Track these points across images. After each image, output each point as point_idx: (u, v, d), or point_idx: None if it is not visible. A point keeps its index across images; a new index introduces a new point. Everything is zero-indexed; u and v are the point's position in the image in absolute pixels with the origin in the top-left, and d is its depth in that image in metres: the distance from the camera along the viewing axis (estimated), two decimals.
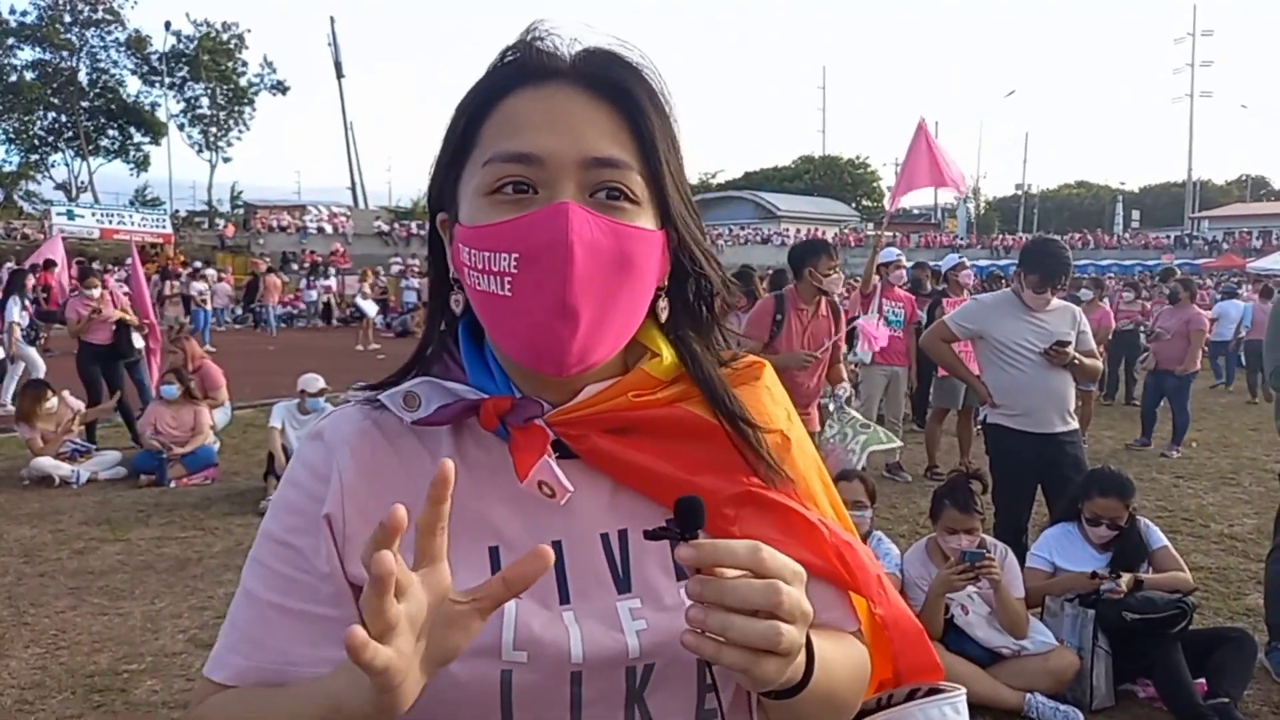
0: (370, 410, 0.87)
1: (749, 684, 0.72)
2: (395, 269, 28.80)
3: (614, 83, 0.81)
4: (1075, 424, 4.75)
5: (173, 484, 7.43)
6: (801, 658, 0.75)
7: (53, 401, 7.83)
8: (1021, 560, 4.09)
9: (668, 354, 0.88)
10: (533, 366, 0.81)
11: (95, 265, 14.60)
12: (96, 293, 8.83)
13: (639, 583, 0.83)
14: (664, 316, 0.88)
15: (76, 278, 9.60)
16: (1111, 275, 29.26)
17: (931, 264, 12.01)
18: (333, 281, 26.26)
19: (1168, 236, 53.49)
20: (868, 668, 0.92)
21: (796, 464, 0.92)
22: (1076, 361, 4.58)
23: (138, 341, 9.09)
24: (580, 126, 0.79)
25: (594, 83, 0.81)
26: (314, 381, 7.34)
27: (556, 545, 0.83)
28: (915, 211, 64.42)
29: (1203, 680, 3.68)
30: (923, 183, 7.97)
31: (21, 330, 10.78)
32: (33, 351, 11.19)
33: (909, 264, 9.69)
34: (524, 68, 0.81)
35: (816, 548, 0.87)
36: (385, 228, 42.36)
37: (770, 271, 11.33)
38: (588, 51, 0.82)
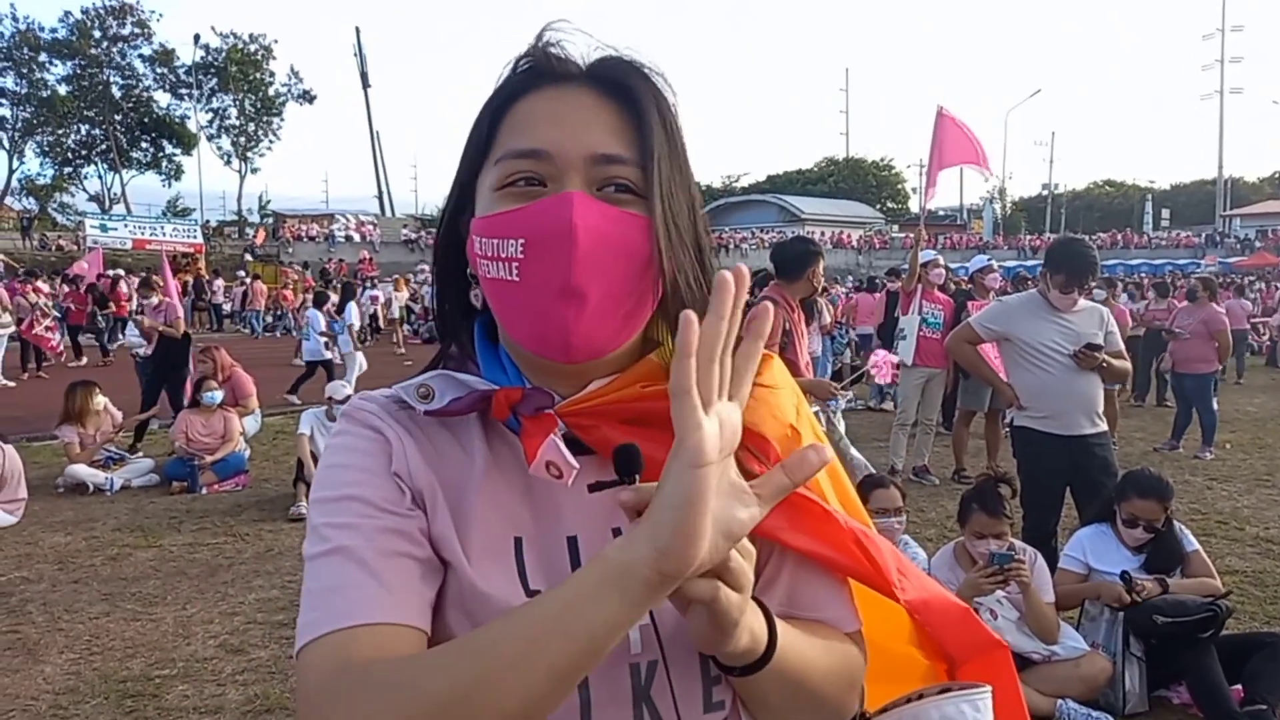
0: (398, 403, 0.89)
1: (704, 644, 0.74)
2: (422, 276, 28.96)
3: (623, 86, 0.84)
4: (1104, 426, 4.69)
5: (204, 490, 7.52)
6: (763, 632, 0.76)
7: (100, 399, 8.01)
8: (1051, 564, 4.05)
9: (670, 343, 0.89)
10: (540, 353, 0.83)
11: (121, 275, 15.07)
12: (155, 300, 9.06)
13: None
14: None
15: (136, 287, 9.96)
16: (1142, 274, 28.92)
17: (954, 266, 11.94)
18: (379, 292, 26.26)
19: (1199, 235, 52.69)
20: (857, 668, 0.91)
21: None
22: (1105, 364, 4.53)
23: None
24: (588, 124, 0.82)
25: (604, 84, 0.84)
26: (341, 389, 7.42)
27: (572, 540, 0.85)
28: (940, 213, 63.93)
29: (1239, 686, 3.62)
30: (955, 160, 7.88)
31: (355, 333, 12.11)
32: (360, 354, 12.22)
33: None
34: (538, 72, 0.85)
35: (831, 538, 0.87)
36: (412, 235, 42.64)
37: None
38: (600, 59, 0.86)
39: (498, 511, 0.84)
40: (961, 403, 8.08)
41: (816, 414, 5.37)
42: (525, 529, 0.85)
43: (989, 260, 9.12)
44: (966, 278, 9.14)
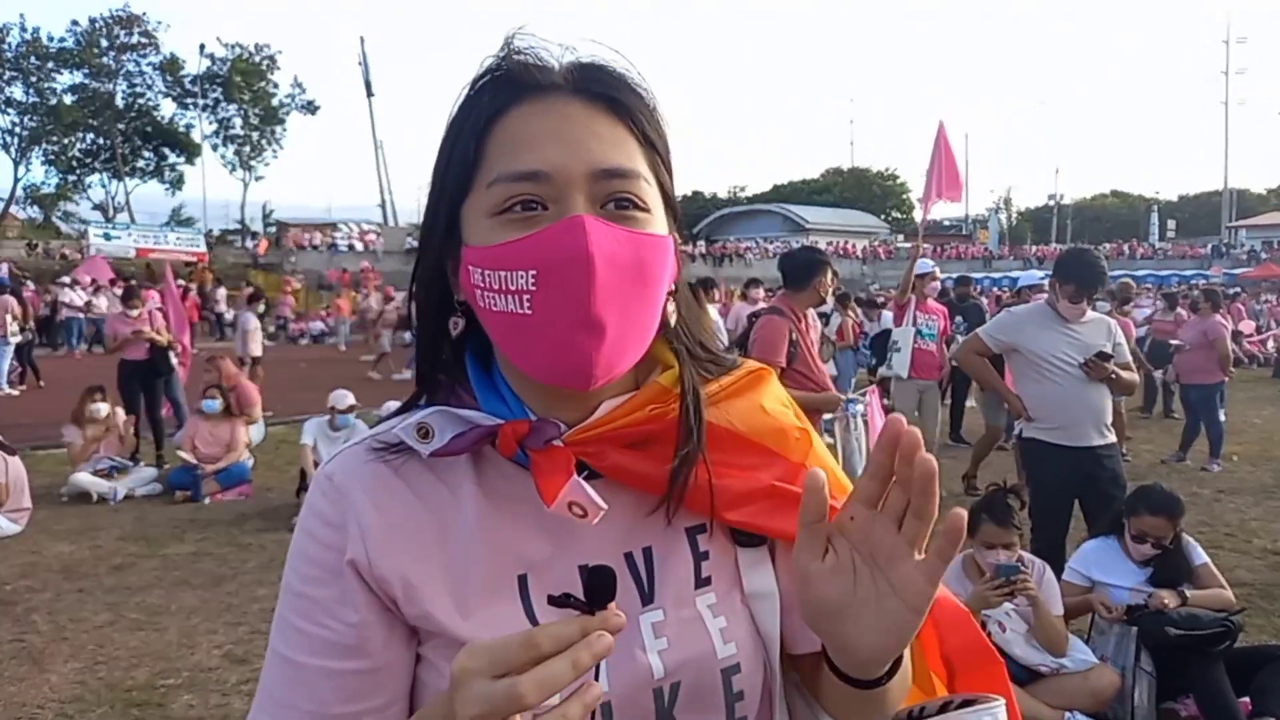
0: (379, 451, 0.85)
1: (850, 665, 0.75)
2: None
3: (610, 93, 0.81)
4: (1113, 438, 4.67)
5: (207, 500, 7.53)
6: None
7: (98, 406, 8.04)
8: (1059, 576, 4.02)
9: (676, 364, 0.88)
10: (558, 383, 0.79)
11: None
12: (136, 313, 9.09)
13: (662, 593, 0.84)
14: (674, 320, 0.88)
15: (121, 298, 9.92)
16: (1148, 285, 28.91)
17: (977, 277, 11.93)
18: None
19: (1205, 246, 52.67)
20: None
21: (820, 458, 0.92)
22: (1114, 375, 4.52)
23: (173, 359, 9.32)
24: (584, 139, 0.78)
25: (590, 94, 0.80)
26: (344, 398, 7.42)
27: (583, 569, 0.83)
28: (946, 223, 64.00)
29: (1247, 699, 3.60)
30: (934, 195, 7.91)
31: None
32: None
33: (944, 276, 9.57)
34: (518, 82, 0.80)
35: None
36: (415, 244, 42.64)
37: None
38: (580, 65, 0.82)
39: (497, 553, 0.82)
40: (986, 419, 8.04)
41: (830, 423, 5.38)
42: (531, 564, 0.82)
43: (1043, 277, 9.07)
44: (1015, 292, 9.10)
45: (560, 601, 0.64)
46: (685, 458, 0.84)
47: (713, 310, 10.44)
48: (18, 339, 14.88)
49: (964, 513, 0.67)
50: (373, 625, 0.80)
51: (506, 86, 0.80)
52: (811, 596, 0.73)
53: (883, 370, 8.47)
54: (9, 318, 14.51)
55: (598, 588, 0.64)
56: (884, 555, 0.69)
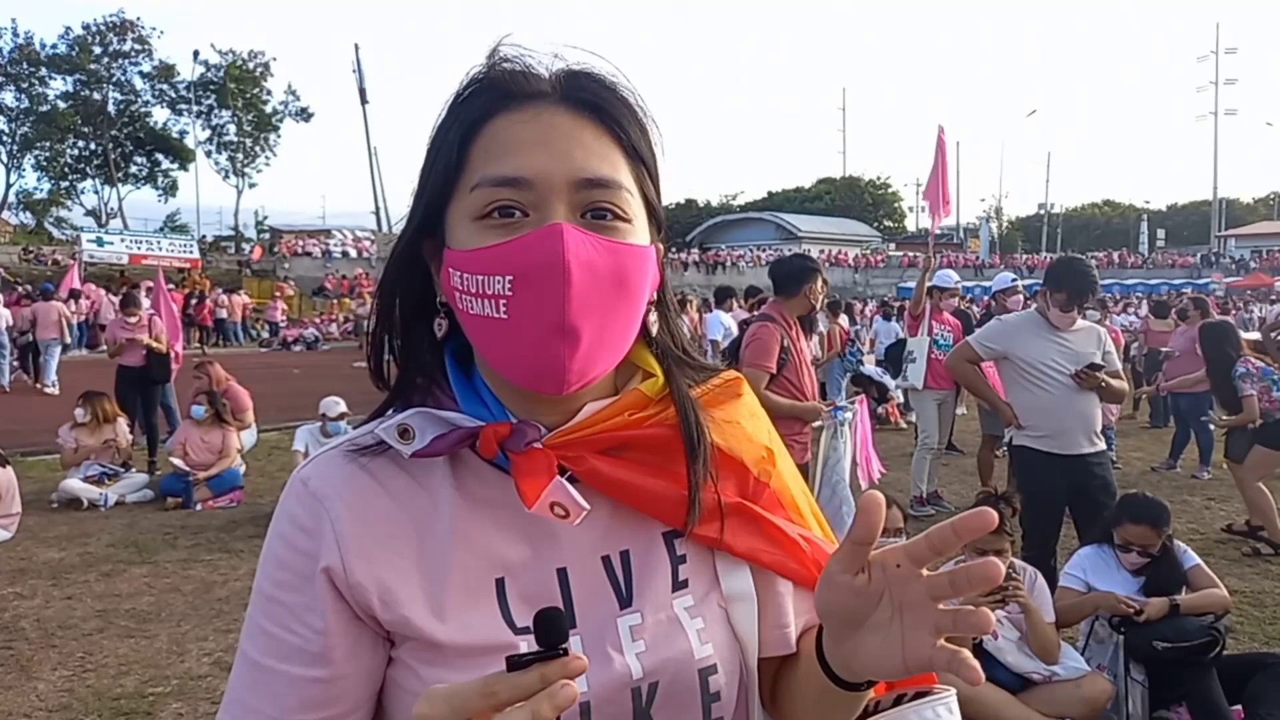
0: (355, 455, 0.85)
1: (838, 667, 0.76)
2: None
3: (597, 102, 0.81)
4: (1103, 445, 4.69)
5: (199, 506, 7.48)
6: None
7: (79, 411, 8.02)
8: (1050, 584, 4.03)
9: (659, 373, 0.89)
10: (532, 387, 0.80)
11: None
12: (135, 319, 9.13)
13: (640, 597, 0.84)
14: (655, 330, 0.89)
15: (119, 305, 9.94)
16: (1138, 294, 29.04)
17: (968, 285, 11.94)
18: None
19: (1194, 255, 52.95)
20: None
21: (782, 475, 0.94)
22: (1104, 385, 4.53)
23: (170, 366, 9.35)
24: (568, 147, 0.79)
25: (578, 103, 0.81)
26: (334, 405, 7.40)
27: (562, 572, 0.83)
28: (938, 231, 64.17)
29: (1239, 707, 3.60)
30: (939, 199, 7.91)
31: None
32: None
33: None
34: (505, 89, 0.80)
35: (798, 559, 0.90)
36: None
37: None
38: (568, 73, 0.82)
39: (475, 556, 0.81)
40: (984, 427, 8.04)
41: (819, 431, 5.34)
42: (509, 567, 0.82)
43: (1014, 279, 9.09)
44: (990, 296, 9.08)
45: (518, 664, 0.62)
46: (699, 471, 0.86)
47: (728, 318, 10.42)
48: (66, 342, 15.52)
49: (987, 615, 0.67)
50: (338, 634, 0.80)
51: (493, 93, 0.80)
52: (831, 599, 0.73)
53: (898, 381, 8.43)
54: (62, 322, 15.28)
55: (550, 631, 0.63)
56: (909, 613, 0.69)
